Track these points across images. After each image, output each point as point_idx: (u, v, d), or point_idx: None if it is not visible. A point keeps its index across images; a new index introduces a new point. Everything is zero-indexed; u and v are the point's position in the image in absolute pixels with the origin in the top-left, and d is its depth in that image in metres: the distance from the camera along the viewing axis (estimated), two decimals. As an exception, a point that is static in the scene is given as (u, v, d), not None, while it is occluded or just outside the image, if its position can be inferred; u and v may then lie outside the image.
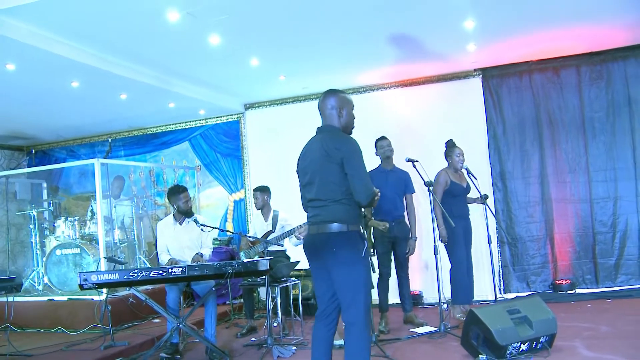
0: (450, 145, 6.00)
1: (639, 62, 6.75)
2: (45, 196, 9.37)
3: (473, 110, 7.23)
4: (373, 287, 5.41)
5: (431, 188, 5.32)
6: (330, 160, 3.35)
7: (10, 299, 6.15)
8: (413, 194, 5.96)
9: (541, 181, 6.97)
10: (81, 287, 4.83)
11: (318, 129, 3.60)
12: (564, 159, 6.92)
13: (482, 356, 4.31)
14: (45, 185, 9.56)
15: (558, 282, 6.82)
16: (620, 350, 4.39)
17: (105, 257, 6.47)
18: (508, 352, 4.26)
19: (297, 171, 3.67)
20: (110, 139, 8.73)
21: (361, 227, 3.47)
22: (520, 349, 4.34)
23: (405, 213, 5.92)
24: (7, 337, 5.44)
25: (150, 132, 9.18)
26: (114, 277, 4.84)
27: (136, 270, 4.87)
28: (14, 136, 9.30)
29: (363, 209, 3.57)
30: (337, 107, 3.52)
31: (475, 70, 7.20)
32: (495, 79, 7.17)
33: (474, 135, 7.12)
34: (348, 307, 3.35)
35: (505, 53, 6.69)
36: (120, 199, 8.69)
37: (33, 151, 9.71)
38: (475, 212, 6.05)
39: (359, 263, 3.34)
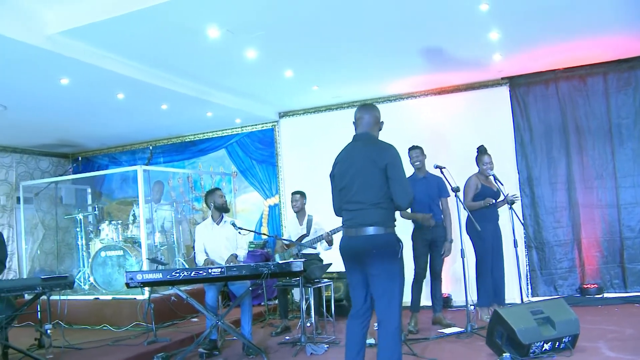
0: (480, 151, 6.21)
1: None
2: (89, 201, 9.82)
3: (501, 117, 7.39)
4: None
5: (458, 193, 5.53)
6: (374, 165, 3.59)
7: (62, 297, 6.60)
8: (448, 198, 6.16)
9: (568, 187, 7.08)
10: (127, 285, 5.18)
11: (356, 136, 3.84)
12: (590, 165, 7.02)
13: (506, 354, 4.48)
14: (89, 190, 10.02)
15: (585, 286, 6.92)
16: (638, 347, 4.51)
17: (148, 258, 6.83)
18: (531, 350, 4.43)
19: (331, 175, 3.90)
20: (151, 147, 9.15)
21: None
22: (543, 348, 4.51)
23: (442, 216, 6.15)
24: (61, 332, 5.85)
25: (189, 140, 9.57)
26: (158, 276, 5.18)
27: (178, 270, 5.21)
28: (62, 144, 9.80)
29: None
30: (379, 118, 3.84)
31: (502, 78, 7.37)
32: (522, 87, 7.32)
33: (502, 142, 7.28)
34: (383, 306, 3.58)
35: (532, 62, 6.84)
36: (160, 204, 9.06)
37: (79, 158, 10.18)
38: (502, 217, 6.22)
39: (395, 264, 3.57)
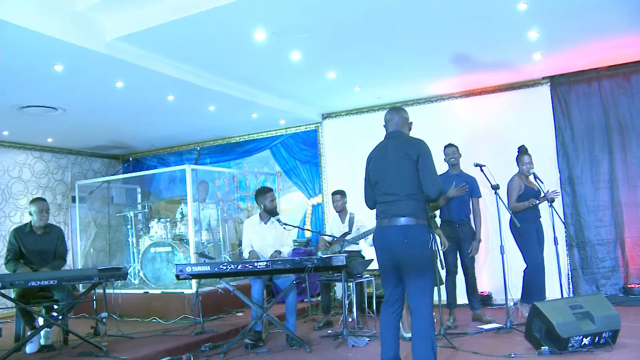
0: (521, 151, 6.27)
1: None
2: (139, 200, 10.22)
3: (541, 117, 7.40)
4: (442, 283, 5.78)
5: (498, 191, 5.62)
6: (407, 158, 3.80)
7: (114, 291, 6.94)
8: (479, 198, 6.26)
9: (611, 185, 7.04)
10: (177, 277, 5.46)
11: (388, 134, 4.08)
12: (634, 163, 6.95)
13: (544, 348, 4.56)
14: (139, 190, 10.43)
15: (630, 285, 6.85)
16: None
17: (196, 252, 7.11)
18: (570, 344, 4.48)
19: (367, 170, 4.12)
20: (198, 148, 9.48)
21: (428, 221, 3.87)
22: (583, 343, 4.55)
23: (472, 216, 6.24)
24: (114, 322, 6.16)
25: (234, 141, 9.87)
26: (206, 269, 5.45)
27: (225, 263, 5.46)
28: (114, 146, 10.25)
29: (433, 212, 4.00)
30: (409, 118, 4.11)
31: (543, 78, 7.38)
32: (564, 86, 7.32)
33: (543, 142, 7.29)
34: (415, 295, 3.76)
35: (573, 61, 6.84)
36: (206, 203, 9.37)
37: (130, 159, 10.61)
38: (542, 216, 6.25)
39: (426, 253, 3.74)
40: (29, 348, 5.51)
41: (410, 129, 4.14)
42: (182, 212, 8.50)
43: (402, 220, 3.77)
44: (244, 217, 9.46)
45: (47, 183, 9.81)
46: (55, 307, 5.67)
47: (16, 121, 7.78)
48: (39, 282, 5.07)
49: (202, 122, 8.62)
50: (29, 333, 5.53)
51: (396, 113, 4.12)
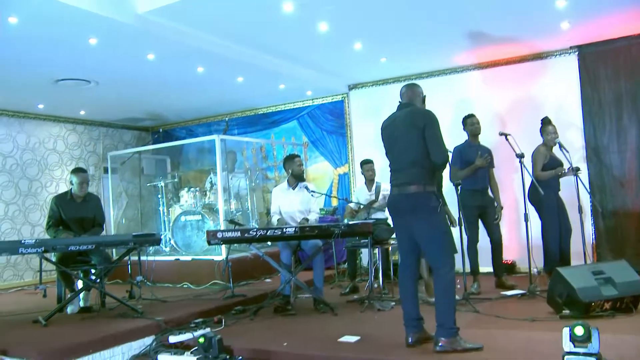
0: (545, 122, 6.31)
1: None
2: (169, 170, 10.47)
3: (568, 86, 7.38)
4: (456, 252, 5.83)
5: (523, 160, 5.69)
6: (414, 127, 3.95)
7: (149, 258, 7.19)
8: (493, 169, 6.39)
9: (638, 155, 7.01)
10: (209, 242, 5.68)
11: (401, 105, 4.24)
12: (663, 132, 6.94)
13: (566, 311, 4.67)
14: (169, 160, 10.67)
15: (656, 255, 6.91)
16: None
17: (226, 219, 7.33)
18: (591, 309, 4.59)
19: (382, 140, 4.31)
20: (227, 119, 9.64)
21: (435, 189, 4.02)
22: (604, 307, 4.64)
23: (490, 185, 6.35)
24: (148, 287, 6.42)
25: (262, 112, 10.02)
26: (237, 234, 5.65)
27: (255, 229, 5.65)
28: (144, 118, 10.48)
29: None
30: (422, 93, 4.28)
31: (571, 47, 7.33)
32: (592, 55, 7.25)
33: (569, 112, 7.30)
34: (431, 255, 3.99)
35: (603, 29, 6.78)
36: (234, 172, 9.56)
37: (160, 130, 10.84)
38: (568, 185, 6.30)
39: (436, 218, 3.93)
40: (70, 309, 5.79)
41: (423, 102, 4.27)
42: (211, 181, 8.69)
43: (410, 188, 3.94)
44: (272, 187, 9.64)
45: (80, 154, 10.10)
46: (93, 271, 5.93)
47: (51, 94, 8.03)
48: (78, 247, 5.33)
49: (231, 93, 8.77)
50: (69, 295, 5.82)
51: (408, 88, 4.28)
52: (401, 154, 4.04)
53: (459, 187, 5.83)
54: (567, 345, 3.10)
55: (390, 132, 4.18)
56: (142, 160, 10.29)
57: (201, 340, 4.18)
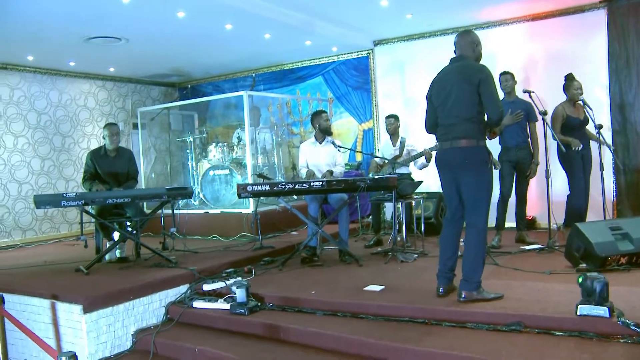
0: (569, 78, 6.32)
1: None
2: (196, 126, 10.69)
3: (595, 42, 7.35)
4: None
5: (545, 117, 5.77)
6: (469, 82, 4.00)
7: (179, 211, 7.45)
8: (536, 122, 6.39)
9: (663, 112, 7.04)
10: (239, 195, 5.92)
11: (453, 59, 4.25)
12: (691, 88, 6.91)
13: (582, 265, 4.84)
14: (196, 116, 10.88)
15: (675, 212, 7.00)
16: None
17: (255, 174, 7.55)
18: (607, 263, 4.75)
19: (428, 96, 4.34)
20: (254, 74, 9.76)
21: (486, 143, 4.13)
22: (620, 262, 4.80)
23: (529, 140, 6.41)
24: (179, 239, 6.71)
25: (287, 68, 10.12)
26: (266, 188, 5.88)
27: (283, 183, 5.87)
28: (171, 74, 10.63)
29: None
30: (475, 42, 4.22)
31: (600, 2, 7.26)
32: (622, 9, 7.16)
33: (595, 68, 7.29)
34: (472, 210, 4.09)
35: (633, -16, 6.72)
36: (260, 127, 9.74)
37: (189, 86, 11.02)
38: (591, 142, 6.37)
39: (485, 173, 4.05)
40: (108, 257, 6.14)
41: (476, 52, 4.23)
42: (238, 136, 8.87)
43: (463, 142, 4.04)
44: (297, 142, 9.83)
45: (110, 111, 10.34)
46: (128, 223, 6.21)
47: (82, 52, 8.21)
48: (115, 200, 5.59)
49: (257, 49, 8.86)
50: (106, 246, 6.14)
51: (461, 37, 4.26)
52: (454, 109, 4.09)
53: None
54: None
55: (443, 86, 4.19)
56: (170, 116, 10.51)
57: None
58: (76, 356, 2.49)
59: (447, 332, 3.77)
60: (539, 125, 6.21)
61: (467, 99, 4.02)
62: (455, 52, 4.29)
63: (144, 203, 7.52)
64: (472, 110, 4.02)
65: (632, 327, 3.25)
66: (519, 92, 6.36)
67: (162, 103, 11.01)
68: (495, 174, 5.88)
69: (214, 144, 8.81)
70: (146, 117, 9.85)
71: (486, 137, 4.18)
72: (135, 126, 10.22)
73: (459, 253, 4.28)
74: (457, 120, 4.07)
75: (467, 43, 4.21)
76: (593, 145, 6.28)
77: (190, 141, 9.23)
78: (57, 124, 9.46)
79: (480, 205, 4.07)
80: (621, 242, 4.82)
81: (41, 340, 3.35)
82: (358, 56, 9.36)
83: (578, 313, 3.49)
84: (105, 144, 6.38)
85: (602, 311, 3.40)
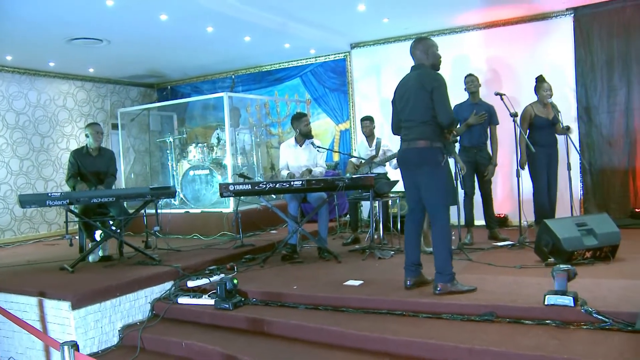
0: (540, 80, 6.57)
1: None
2: (176, 126, 10.78)
3: (563, 48, 7.67)
4: (457, 204, 6.20)
5: (516, 119, 6.02)
6: (424, 90, 4.29)
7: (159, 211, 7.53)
8: (497, 125, 6.67)
9: (626, 115, 7.36)
10: (222, 194, 6.08)
11: (413, 67, 4.55)
12: (652, 93, 7.27)
13: (551, 259, 5.11)
14: (175, 117, 10.97)
15: (637, 210, 7.30)
16: None
17: (236, 174, 7.71)
18: (573, 257, 5.01)
19: (393, 100, 4.65)
20: (233, 76, 9.91)
21: (442, 145, 4.39)
22: (585, 256, 5.07)
23: (489, 142, 6.67)
24: (161, 238, 6.82)
25: (266, 70, 10.30)
26: (247, 187, 6.05)
27: (264, 182, 6.04)
28: (149, 75, 10.71)
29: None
30: (423, 50, 4.50)
31: (567, 9, 7.59)
32: (587, 17, 7.51)
33: (563, 72, 7.61)
34: (431, 204, 4.40)
35: (598, -8, 7.05)
36: (239, 128, 9.87)
37: (169, 87, 11.11)
38: (560, 143, 6.65)
39: (439, 171, 4.34)
40: (91, 258, 6.22)
41: (431, 58, 4.46)
42: (218, 136, 9.00)
43: (419, 143, 4.34)
44: (275, 143, 10.00)
45: (89, 111, 10.39)
46: (111, 222, 6.31)
47: (62, 53, 8.28)
48: (100, 199, 5.71)
49: (237, 51, 9.04)
50: (89, 245, 6.23)
51: (415, 47, 4.54)
52: (412, 113, 4.39)
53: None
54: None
55: (403, 92, 4.50)
56: (150, 116, 10.58)
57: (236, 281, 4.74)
58: (77, 345, 2.62)
59: (424, 323, 3.98)
60: (510, 126, 6.46)
61: (423, 104, 4.32)
62: (413, 60, 4.56)
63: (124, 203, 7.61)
64: (427, 114, 4.31)
65: (594, 315, 3.51)
66: (490, 95, 6.62)
67: (140, 104, 11.09)
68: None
69: (193, 145, 8.90)
70: (126, 117, 9.90)
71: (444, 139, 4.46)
72: (114, 127, 10.29)
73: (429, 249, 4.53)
74: (415, 124, 4.38)
75: (420, 52, 4.50)
76: (561, 145, 6.55)
77: (170, 142, 9.33)
78: (36, 124, 9.49)
79: (438, 203, 4.35)
80: (586, 237, 5.10)
81: (41, 333, 3.47)
82: (335, 58, 9.58)
83: (546, 303, 3.73)
84: (87, 144, 6.45)
85: (568, 300, 3.65)
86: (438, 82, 4.31)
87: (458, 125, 6.43)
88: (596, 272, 4.71)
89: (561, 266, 3.82)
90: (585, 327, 3.52)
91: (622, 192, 7.44)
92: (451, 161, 5.51)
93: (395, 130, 4.69)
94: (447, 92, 4.34)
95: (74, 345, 2.62)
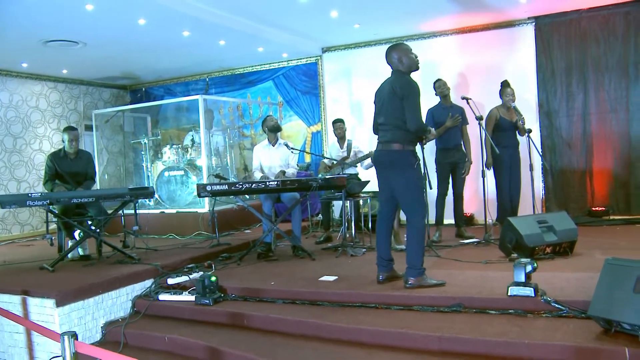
0: (504, 84, 6.92)
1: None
2: (149, 128, 10.87)
3: (525, 54, 8.08)
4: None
5: (481, 122, 6.34)
6: (395, 96, 4.54)
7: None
8: (467, 125, 7.00)
9: (584, 119, 7.80)
10: (199, 194, 6.24)
11: (391, 73, 4.76)
12: (606, 99, 7.69)
13: (514, 255, 5.42)
14: (149, 118, 11.05)
15: (594, 209, 7.75)
16: (630, 256, 5.32)
17: (212, 174, 7.87)
18: (535, 253, 5.33)
19: (374, 102, 4.89)
20: (208, 79, 10.05)
21: (415, 148, 4.64)
22: (545, 251, 5.41)
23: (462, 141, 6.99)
24: (140, 237, 6.94)
25: (239, 73, 10.48)
26: (224, 187, 6.23)
27: (240, 183, 6.24)
28: (123, 77, 10.78)
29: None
30: (397, 57, 4.70)
31: (528, 18, 8.00)
32: (547, 26, 7.93)
33: (525, 78, 8.00)
34: (406, 207, 4.63)
35: (557, 2, 7.43)
36: (213, 130, 10.01)
37: (144, 89, 11.19)
38: (521, 145, 7.00)
39: (412, 173, 4.57)
40: (71, 256, 6.32)
41: (405, 63, 4.65)
42: (192, 138, 9.13)
43: (392, 146, 4.59)
44: (248, 144, 10.19)
45: (62, 112, 10.41)
46: (90, 222, 6.41)
47: (36, 54, 8.31)
48: (80, 199, 5.83)
49: (212, 55, 9.22)
50: (69, 244, 6.33)
51: (388, 55, 4.73)
52: (387, 117, 4.63)
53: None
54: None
55: (380, 96, 4.76)
56: (124, 118, 10.63)
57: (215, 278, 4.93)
58: (77, 335, 2.80)
59: (396, 314, 4.24)
60: (475, 129, 6.77)
61: (395, 109, 4.56)
62: (389, 66, 4.78)
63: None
64: (401, 119, 4.54)
65: (553, 304, 3.82)
66: (457, 99, 6.92)
67: (113, 105, 11.14)
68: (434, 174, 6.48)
69: (168, 146, 9.03)
70: (100, 119, 9.95)
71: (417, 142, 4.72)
72: (87, 128, 10.32)
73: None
74: (389, 127, 4.62)
75: (395, 58, 4.70)
76: (523, 147, 6.87)
77: (145, 143, 9.42)
78: (8, 125, 9.48)
79: (412, 203, 4.59)
80: (547, 234, 5.43)
81: (39, 326, 3.60)
82: (307, 62, 9.82)
83: (509, 294, 4.03)
84: (64, 147, 6.54)
85: (529, 291, 3.96)
86: (410, 90, 4.52)
87: (433, 130, 6.70)
88: (555, 266, 5.04)
89: (522, 260, 4.12)
90: (544, 315, 3.82)
91: (580, 191, 7.87)
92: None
93: (375, 131, 4.92)
94: (418, 99, 4.56)
95: (74, 336, 2.79)
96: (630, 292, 3.22)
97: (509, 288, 4.05)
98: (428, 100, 6.77)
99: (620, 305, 3.24)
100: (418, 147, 4.77)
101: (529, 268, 4.02)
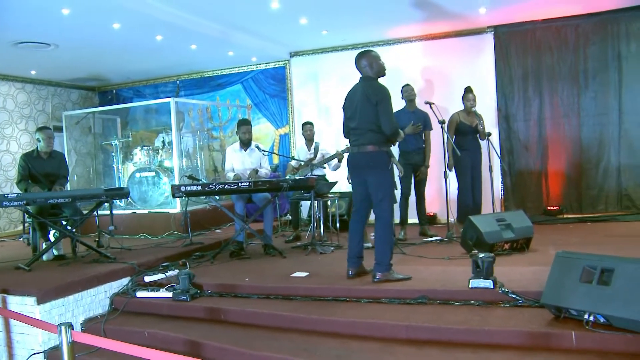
0: (467, 90, 7.26)
1: (629, 23, 7.84)
2: (119, 130, 10.93)
3: (485, 62, 8.50)
4: (396, 202, 6.81)
5: (443, 126, 6.69)
6: (369, 101, 4.81)
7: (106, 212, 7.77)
8: (431, 131, 7.32)
9: (539, 123, 8.27)
10: (173, 195, 6.42)
11: (360, 78, 5.03)
12: (559, 105, 8.18)
13: (475, 251, 5.75)
14: (119, 120, 11.11)
15: (549, 208, 8.21)
16: (579, 250, 5.71)
17: (185, 175, 8.03)
18: (494, 249, 5.68)
19: (343, 107, 5.14)
20: (178, 81, 10.20)
21: (389, 149, 4.93)
22: (504, 247, 5.76)
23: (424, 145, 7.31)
24: (113, 237, 7.07)
25: (208, 76, 10.64)
26: (198, 188, 6.43)
27: (214, 183, 6.44)
28: (91, 78, 10.81)
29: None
30: (367, 64, 4.98)
31: (488, 27, 8.42)
32: (505, 35, 8.37)
33: (485, 83, 8.40)
34: (378, 205, 4.91)
35: (515, 13, 7.86)
36: (182, 132, 10.15)
37: (114, 91, 11.24)
38: (482, 148, 7.38)
39: (386, 172, 4.86)
40: (45, 257, 6.41)
41: (375, 69, 4.94)
42: (163, 140, 9.25)
43: (368, 148, 4.86)
44: (217, 146, 10.37)
45: (30, 113, 10.38)
46: (65, 222, 6.51)
47: (5, 55, 8.31)
48: (56, 200, 5.94)
49: (183, 58, 9.37)
50: (43, 244, 6.42)
51: (357, 61, 4.99)
52: (361, 122, 4.88)
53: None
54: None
55: (351, 101, 5.00)
56: (94, 119, 10.67)
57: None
58: (72, 325, 2.99)
59: (366, 307, 4.52)
60: (437, 132, 7.12)
61: (369, 114, 4.83)
62: (359, 71, 5.04)
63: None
64: (374, 123, 4.82)
65: (510, 295, 4.16)
66: (420, 103, 7.25)
67: (81, 107, 11.16)
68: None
69: (139, 148, 9.14)
70: (70, 120, 9.97)
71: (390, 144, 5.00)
72: (55, 129, 10.27)
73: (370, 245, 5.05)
74: (364, 131, 4.88)
75: (364, 65, 4.98)
76: (484, 150, 7.25)
77: (116, 144, 9.51)
78: (-25, 126, 9.45)
79: (384, 200, 4.88)
80: (505, 231, 5.78)
81: (37, 320, 3.75)
82: (275, 66, 10.05)
83: (470, 286, 4.36)
84: (38, 147, 6.60)
85: (488, 284, 4.29)
86: (383, 95, 4.81)
87: (402, 133, 7.01)
88: (513, 261, 5.40)
89: (480, 255, 4.45)
90: (502, 305, 4.16)
91: (536, 192, 8.32)
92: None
93: (346, 135, 5.18)
94: (390, 104, 4.85)
95: (69, 326, 2.98)
96: (577, 281, 3.57)
97: (470, 281, 4.38)
98: (394, 104, 7.07)
99: (568, 293, 3.60)
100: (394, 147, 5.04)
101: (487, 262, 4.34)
